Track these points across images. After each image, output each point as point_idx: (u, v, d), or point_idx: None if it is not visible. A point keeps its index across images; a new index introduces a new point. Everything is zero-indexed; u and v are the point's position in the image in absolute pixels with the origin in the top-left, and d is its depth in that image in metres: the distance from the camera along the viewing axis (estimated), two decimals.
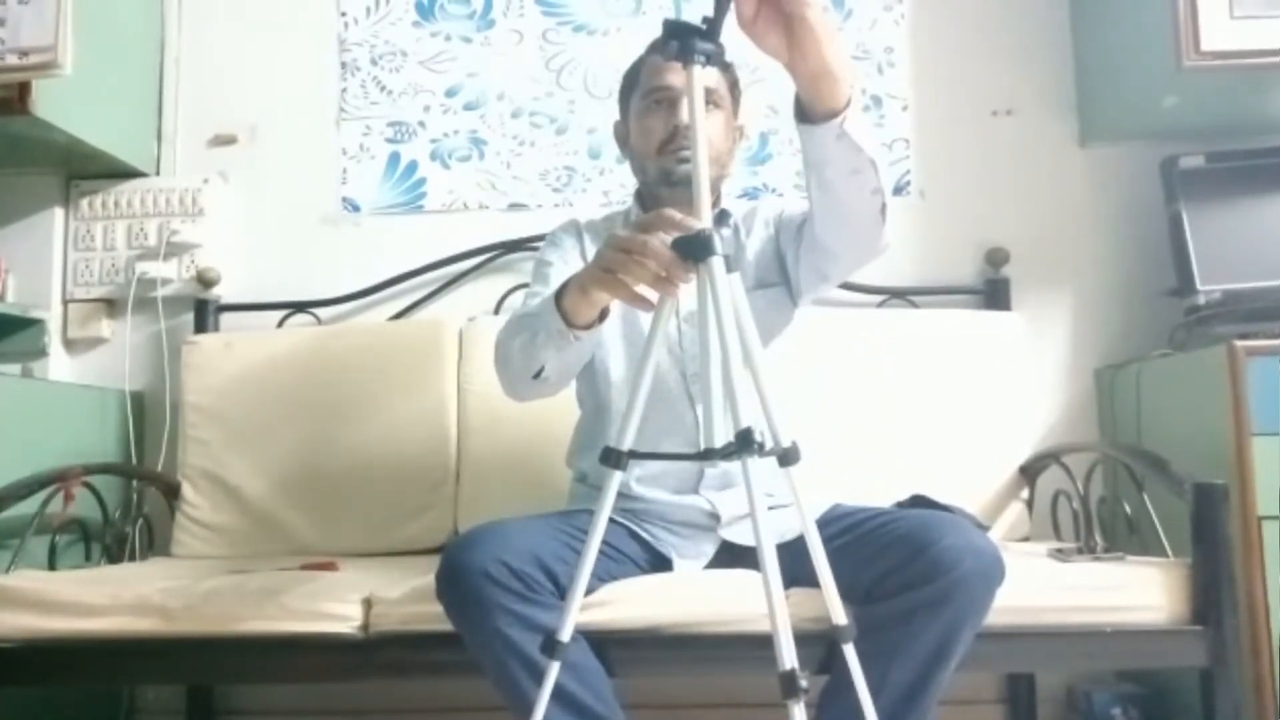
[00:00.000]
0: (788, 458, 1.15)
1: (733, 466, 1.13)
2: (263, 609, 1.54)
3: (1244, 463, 1.70)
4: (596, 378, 1.65)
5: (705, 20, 1.17)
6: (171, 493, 2.14)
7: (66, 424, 2.09)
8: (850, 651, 1.23)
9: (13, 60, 1.90)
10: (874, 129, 2.32)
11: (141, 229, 2.34)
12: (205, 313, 2.29)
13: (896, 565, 1.37)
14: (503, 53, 2.39)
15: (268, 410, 2.13)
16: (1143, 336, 2.19)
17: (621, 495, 1.46)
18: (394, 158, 2.38)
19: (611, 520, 1.44)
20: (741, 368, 1.13)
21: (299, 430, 2.12)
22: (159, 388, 2.28)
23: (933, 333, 2.14)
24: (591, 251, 1.65)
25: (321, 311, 2.31)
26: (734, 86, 1.68)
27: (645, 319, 1.36)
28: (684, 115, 1.52)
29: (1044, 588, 1.54)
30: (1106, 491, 1.98)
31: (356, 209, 2.38)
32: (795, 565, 1.28)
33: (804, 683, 1.07)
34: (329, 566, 1.78)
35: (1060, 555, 1.67)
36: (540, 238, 2.21)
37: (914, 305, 2.24)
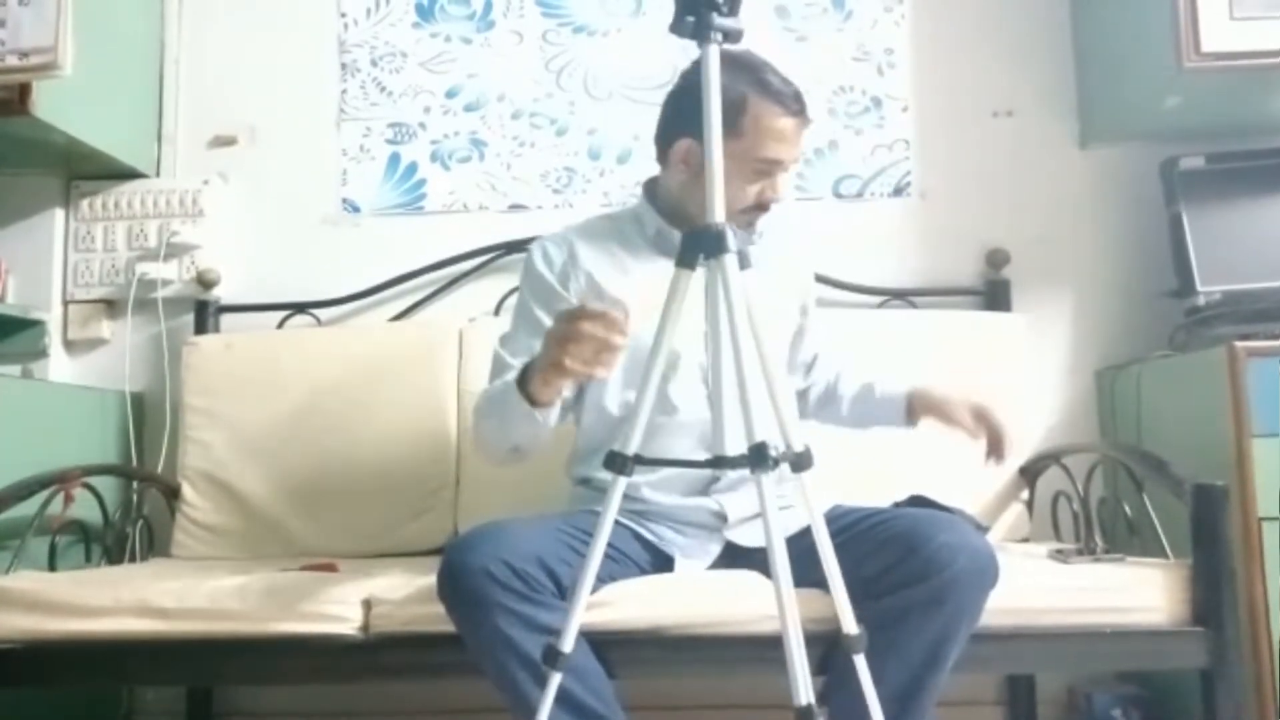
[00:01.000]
0: (800, 463, 1.14)
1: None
2: (263, 610, 1.54)
3: (1244, 464, 1.70)
4: (603, 397, 1.61)
5: None
6: (171, 494, 2.14)
7: (67, 425, 2.09)
8: (861, 662, 1.23)
9: (13, 61, 1.89)
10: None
11: (142, 230, 2.33)
12: (205, 314, 2.29)
13: (891, 564, 1.37)
14: (503, 54, 2.39)
15: (268, 411, 2.13)
16: (1143, 337, 2.19)
17: (628, 496, 1.46)
18: (394, 159, 2.38)
19: (614, 521, 1.43)
20: (756, 369, 1.13)
21: (299, 431, 2.11)
22: (159, 389, 2.28)
23: (933, 334, 2.14)
24: (581, 269, 1.64)
25: (322, 313, 2.31)
26: None
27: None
28: (781, 189, 1.57)
29: (1044, 589, 1.54)
30: (1107, 492, 1.98)
31: (356, 210, 2.38)
32: (796, 564, 1.28)
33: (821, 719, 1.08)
34: (329, 568, 1.78)
35: (1060, 556, 1.67)
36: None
37: (914, 306, 2.24)
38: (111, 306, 2.35)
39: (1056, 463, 2.02)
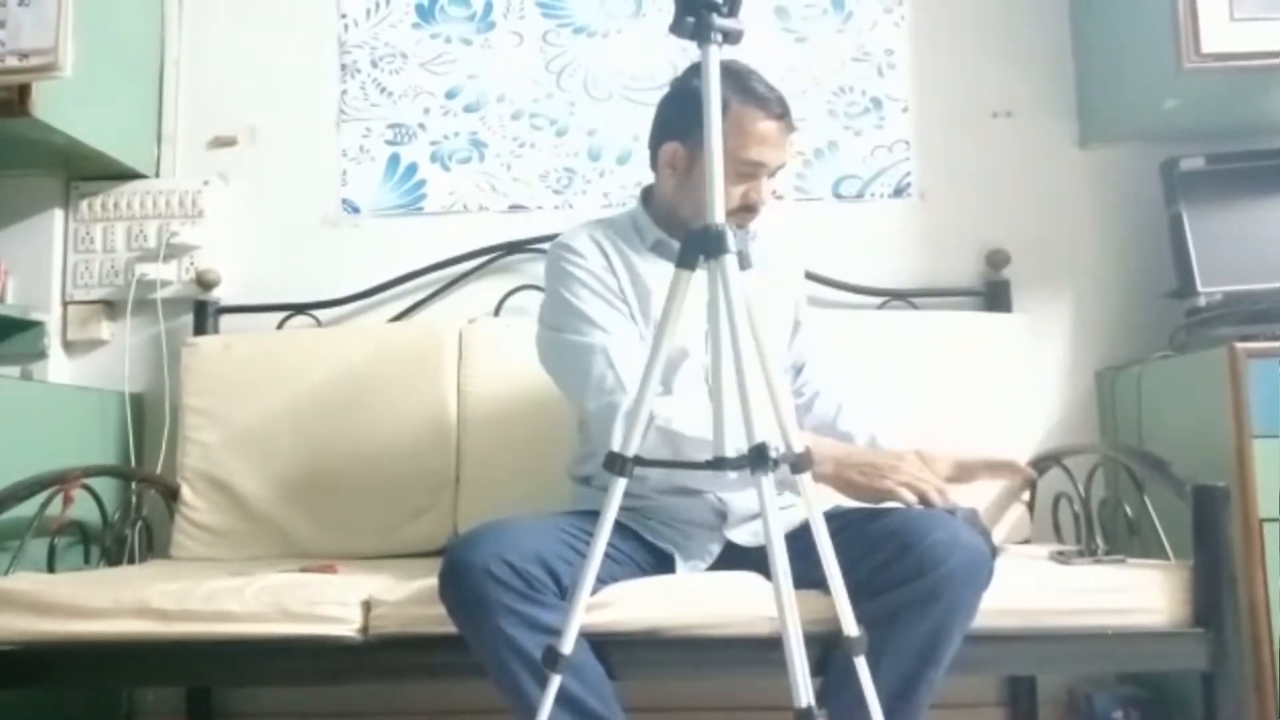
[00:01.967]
0: (800, 465, 1.14)
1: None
2: (262, 611, 1.54)
3: (1245, 465, 1.69)
4: None
5: None
6: (171, 495, 2.14)
7: (66, 426, 2.08)
8: (862, 665, 1.22)
9: (13, 62, 1.89)
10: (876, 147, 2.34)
11: (141, 231, 2.33)
12: (205, 314, 2.29)
13: (885, 561, 1.38)
14: (503, 54, 2.39)
15: (267, 412, 2.12)
16: (1143, 338, 2.19)
17: (628, 495, 1.45)
18: (394, 159, 2.38)
19: (615, 521, 1.43)
20: (757, 370, 1.13)
21: (298, 432, 2.11)
22: (158, 390, 2.28)
23: (933, 334, 2.14)
24: (615, 264, 1.63)
25: (321, 313, 2.31)
26: None
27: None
28: (765, 192, 1.57)
29: (1045, 590, 1.54)
30: (1107, 493, 1.97)
31: (356, 211, 2.37)
32: (795, 564, 1.27)
33: None
34: (328, 569, 1.78)
35: (1061, 558, 1.67)
36: (541, 239, 2.23)
37: (914, 307, 2.24)
38: (111, 307, 2.35)
39: (1057, 464, 2.02)
